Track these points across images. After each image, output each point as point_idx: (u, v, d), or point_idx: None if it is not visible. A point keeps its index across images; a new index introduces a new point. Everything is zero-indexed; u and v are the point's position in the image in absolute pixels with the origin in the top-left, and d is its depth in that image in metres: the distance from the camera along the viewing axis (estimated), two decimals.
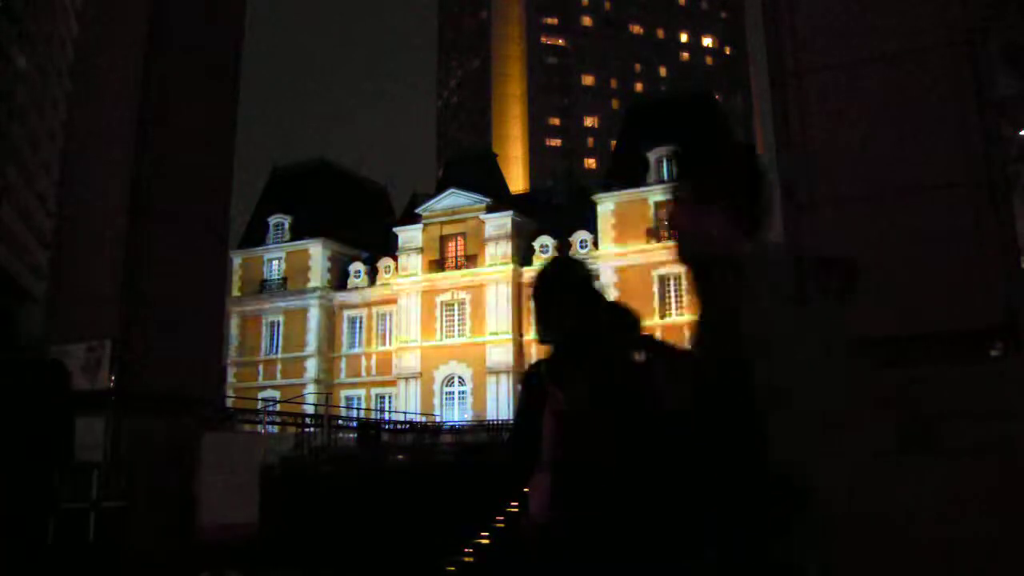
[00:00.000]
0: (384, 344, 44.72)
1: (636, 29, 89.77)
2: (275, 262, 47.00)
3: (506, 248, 41.95)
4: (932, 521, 2.73)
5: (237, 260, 46.61)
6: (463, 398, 41.76)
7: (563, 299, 2.37)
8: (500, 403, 39.34)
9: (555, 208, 45.65)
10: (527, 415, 2.81)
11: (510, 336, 40.76)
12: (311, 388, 42.69)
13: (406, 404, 40.94)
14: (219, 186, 5.27)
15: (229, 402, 24.40)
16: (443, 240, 43.92)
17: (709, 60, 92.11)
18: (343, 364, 45.61)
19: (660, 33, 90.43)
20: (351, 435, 22.28)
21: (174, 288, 4.77)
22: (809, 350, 1.51)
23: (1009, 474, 2.68)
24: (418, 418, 34.17)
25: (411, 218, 45.41)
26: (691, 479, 1.72)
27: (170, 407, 4.61)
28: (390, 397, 43.29)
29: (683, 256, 1.77)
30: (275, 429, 20.00)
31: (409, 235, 44.64)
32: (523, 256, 42.26)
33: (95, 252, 4.68)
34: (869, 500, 2.82)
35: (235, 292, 46.13)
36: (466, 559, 10.05)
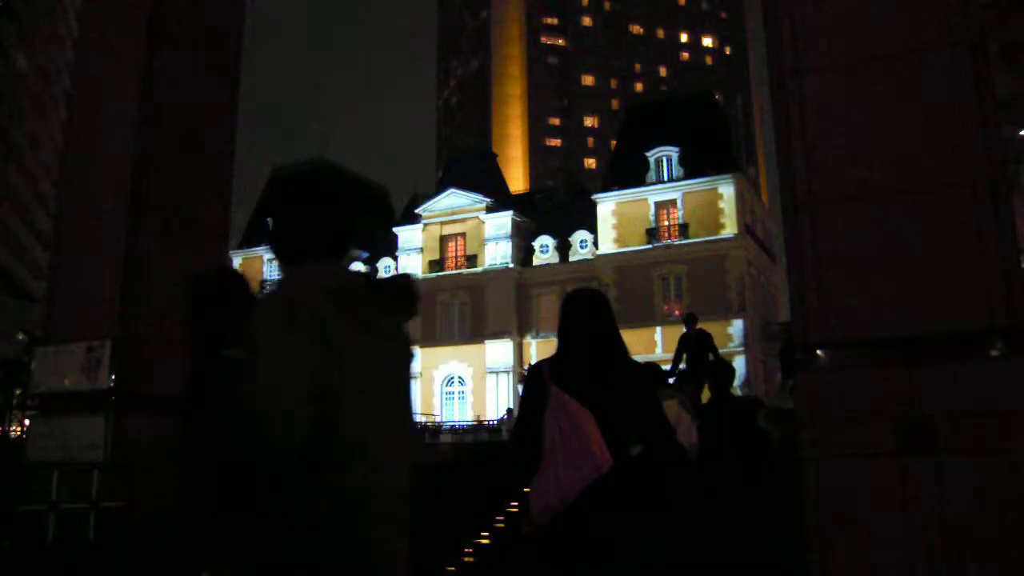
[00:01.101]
0: None
1: (636, 29, 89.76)
2: (275, 262, 46.98)
3: (506, 248, 41.94)
4: (932, 521, 2.73)
5: (237, 260, 46.61)
6: (463, 398, 41.77)
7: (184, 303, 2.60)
8: (500, 403, 39.33)
9: (555, 208, 45.66)
10: (528, 415, 2.82)
11: (510, 336, 40.77)
12: None
13: None
14: (219, 186, 5.27)
15: None
16: (443, 240, 43.92)
17: (709, 60, 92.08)
18: None
19: (660, 33, 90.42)
20: None
21: (174, 288, 4.76)
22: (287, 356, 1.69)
23: (1009, 474, 2.68)
24: (418, 418, 34.16)
25: (411, 218, 45.42)
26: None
27: (170, 407, 4.61)
28: None
29: None
30: None
31: (409, 235, 44.65)
32: (523, 256, 42.26)
33: (95, 252, 4.68)
34: (869, 500, 2.83)
35: None
36: (466, 559, 10.04)
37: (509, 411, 34.52)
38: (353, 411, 1.71)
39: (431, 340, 42.48)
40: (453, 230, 43.74)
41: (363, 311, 1.80)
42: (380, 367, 1.82)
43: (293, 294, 1.75)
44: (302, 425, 1.62)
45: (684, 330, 10.37)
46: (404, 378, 1.97)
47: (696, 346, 9.98)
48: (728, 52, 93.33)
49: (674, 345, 10.42)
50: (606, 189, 40.54)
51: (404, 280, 1.93)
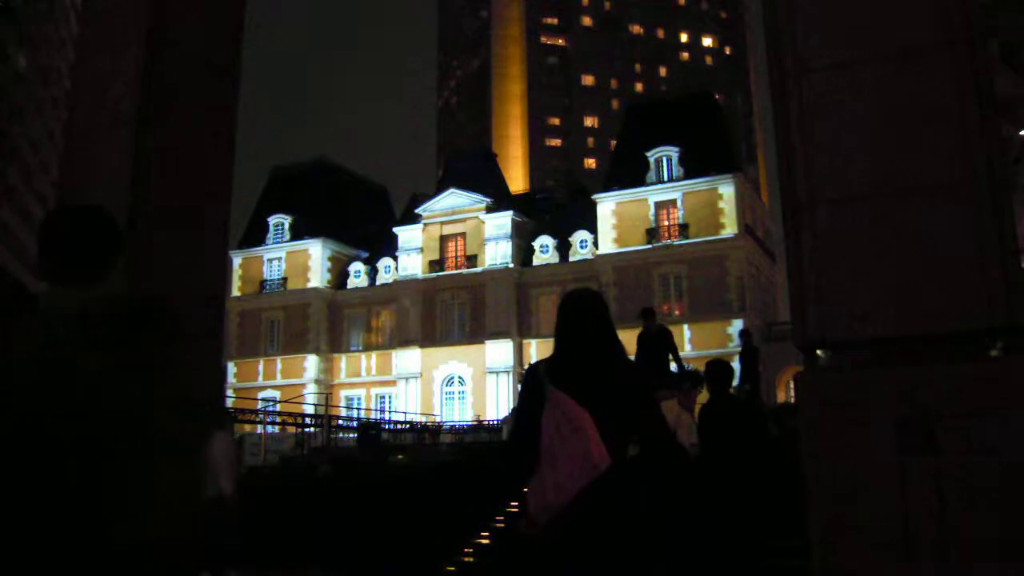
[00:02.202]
0: (384, 344, 44.74)
1: (636, 29, 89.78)
2: (275, 262, 47.02)
3: (506, 248, 41.96)
4: (932, 521, 2.73)
5: (237, 260, 46.66)
6: (463, 398, 41.78)
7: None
8: (500, 403, 39.35)
9: (555, 208, 45.71)
10: (526, 416, 2.82)
11: (510, 336, 40.77)
12: (311, 388, 42.71)
13: (406, 404, 40.95)
14: (219, 186, 5.27)
15: (229, 402, 24.41)
16: (443, 240, 43.94)
17: (709, 60, 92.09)
18: (343, 364, 45.63)
19: (660, 33, 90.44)
20: (351, 435, 22.31)
21: (174, 289, 4.77)
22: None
23: (1009, 474, 2.68)
24: (418, 418, 34.19)
25: (411, 218, 45.44)
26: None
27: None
28: (390, 397, 43.31)
29: None
30: (275, 429, 20.02)
31: (409, 235, 44.66)
32: (523, 256, 42.28)
33: None
34: (869, 500, 2.82)
35: (235, 292, 46.16)
36: (466, 559, 10.04)
37: (514, 410, 34.53)
38: (107, 444, 1.68)
39: (431, 340, 42.51)
40: (453, 230, 43.76)
41: (114, 337, 1.76)
42: (134, 393, 1.77)
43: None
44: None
45: (643, 328, 9.58)
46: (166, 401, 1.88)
47: (654, 344, 9.33)
48: (728, 52, 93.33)
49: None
50: (606, 189, 40.56)
51: (158, 303, 1.92)
